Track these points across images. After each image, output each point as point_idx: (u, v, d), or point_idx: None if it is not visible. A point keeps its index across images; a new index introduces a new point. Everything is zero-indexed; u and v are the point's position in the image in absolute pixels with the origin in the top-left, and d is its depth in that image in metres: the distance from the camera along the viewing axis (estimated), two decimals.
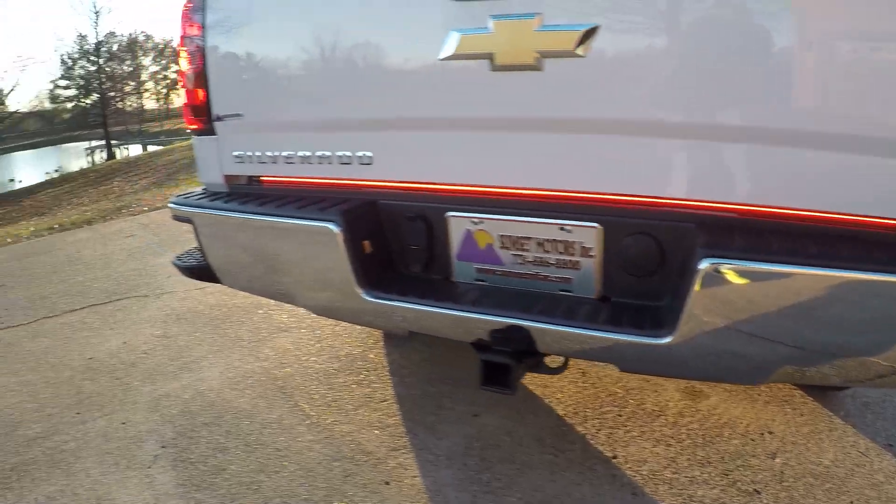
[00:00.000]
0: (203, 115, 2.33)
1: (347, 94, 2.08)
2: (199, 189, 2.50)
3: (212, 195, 2.38)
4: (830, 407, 2.92)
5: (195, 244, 2.48)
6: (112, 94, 51.86)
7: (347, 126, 2.11)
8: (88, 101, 52.80)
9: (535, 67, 1.75)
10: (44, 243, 6.99)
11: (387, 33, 1.97)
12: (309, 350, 3.57)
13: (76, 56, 55.13)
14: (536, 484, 2.44)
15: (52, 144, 60.02)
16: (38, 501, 2.45)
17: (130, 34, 62.14)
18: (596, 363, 2.99)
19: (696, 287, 1.57)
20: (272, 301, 3.31)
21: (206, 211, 2.24)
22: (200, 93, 2.31)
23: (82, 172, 28.83)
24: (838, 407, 2.92)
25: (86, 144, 49.07)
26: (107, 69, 50.80)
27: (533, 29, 1.72)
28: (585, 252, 1.91)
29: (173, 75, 75.27)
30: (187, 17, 2.27)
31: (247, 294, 2.86)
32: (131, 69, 60.38)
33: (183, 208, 2.32)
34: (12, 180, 38.19)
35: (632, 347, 1.75)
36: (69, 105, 58.54)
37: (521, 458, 2.59)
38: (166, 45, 68.11)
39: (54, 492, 2.49)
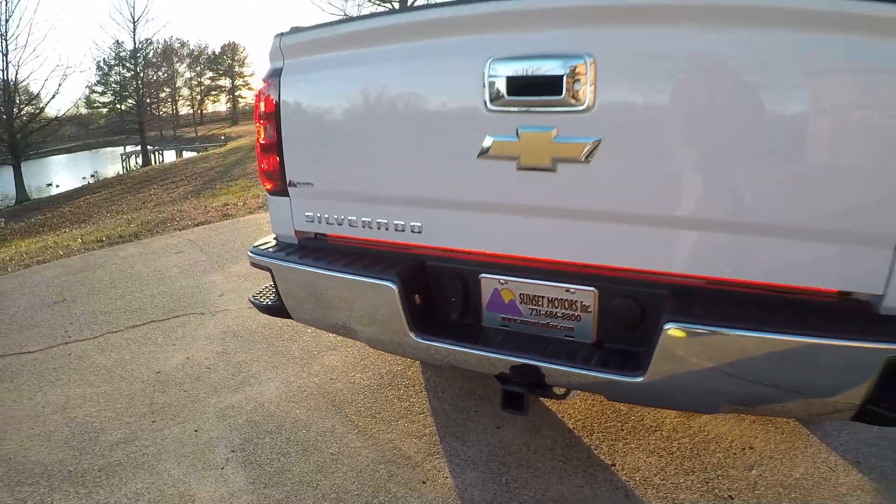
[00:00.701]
0: (277, 180, 2.76)
1: (403, 177, 2.51)
2: (271, 239, 2.94)
3: (286, 247, 2.82)
4: (810, 427, 3.24)
5: (269, 285, 2.94)
6: (148, 100, 52.63)
7: (403, 202, 2.54)
8: (124, 107, 53.76)
9: (550, 169, 2.17)
10: (96, 258, 7.49)
11: (436, 132, 2.37)
12: (355, 367, 3.99)
13: (112, 62, 56.21)
14: (547, 485, 2.85)
15: (87, 149, 61.15)
16: (128, 497, 2.87)
17: (166, 41, 62.86)
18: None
19: (661, 342, 2.01)
20: None
21: (285, 263, 2.69)
22: (275, 160, 2.73)
23: (119, 179, 29.37)
24: (817, 427, 3.24)
25: (121, 150, 49.78)
26: (142, 76, 51.54)
27: (550, 140, 2.13)
28: (585, 309, 2.36)
29: (207, 81, 76.04)
30: (263, 95, 2.70)
31: None
32: (167, 76, 61.15)
33: (262, 259, 2.77)
34: (50, 184, 39.23)
35: (615, 383, 2.18)
36: (105, 111, 59.57)
37: (535, 464, 2.99)
38: (201, 51, 69.03)
39: (141, 489, 2.91)
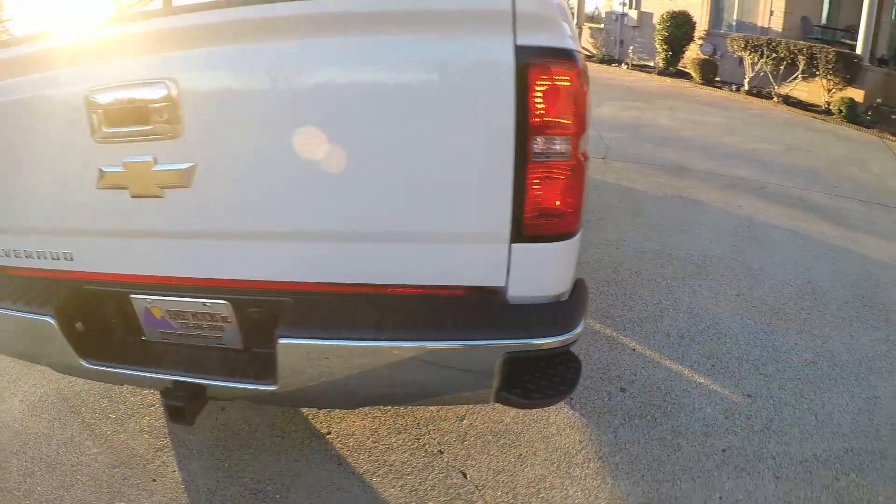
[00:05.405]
0: None
1: (46, 209, 2.59)
2: None
3: None
4: None
5: None
6: None
7: (50, 232, 2.63)
8: None
9: (157, 195, 2.29)
10: None
11: (65, 171, 2.44)
12: None
13: None
14: (265, 464, 3.19)
15: None
16: None
17: None
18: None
19: (280, 354, 2.25)
20: None
21: None
22: None
23: None
24: None
25: None
26: None
27: (150, 169, 2.24)
28: (224, 320, 2.54)
29: None
30: None
31: None
32: None
33: None
34: None
35: (256, 393, 2.44)
36: None
37: (255, 443, 3.37)
38: None
39: None
